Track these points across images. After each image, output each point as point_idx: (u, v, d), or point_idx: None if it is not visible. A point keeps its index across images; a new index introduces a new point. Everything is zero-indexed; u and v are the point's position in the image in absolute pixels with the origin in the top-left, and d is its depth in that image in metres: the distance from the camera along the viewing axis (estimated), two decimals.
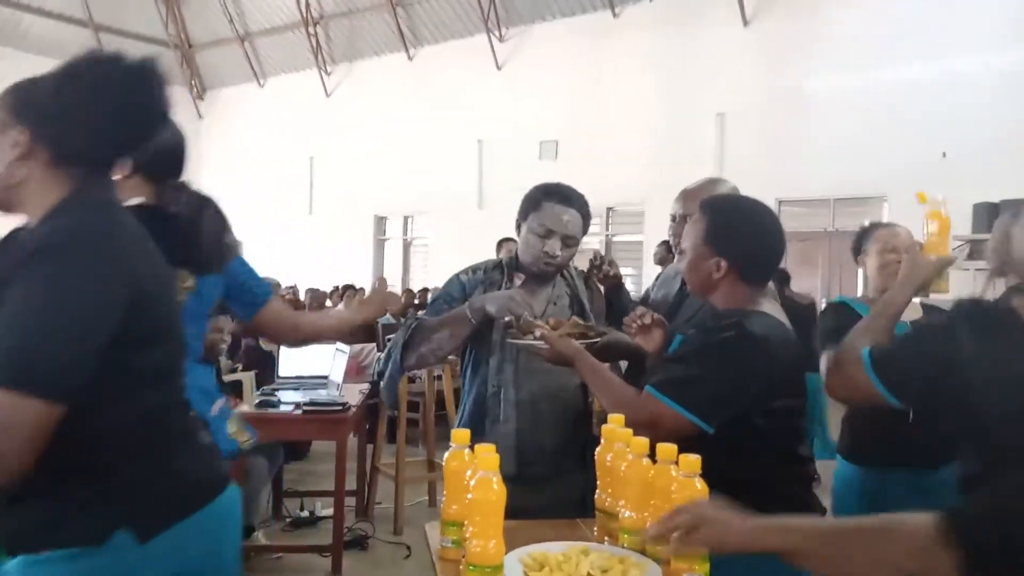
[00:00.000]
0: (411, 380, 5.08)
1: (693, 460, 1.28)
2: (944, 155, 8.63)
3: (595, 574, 1.24)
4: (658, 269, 6.42)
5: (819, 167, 9.55)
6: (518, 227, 2.28)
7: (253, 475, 4.00)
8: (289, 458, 5.10)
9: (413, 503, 4.98)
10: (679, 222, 2.37)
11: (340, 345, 4.55)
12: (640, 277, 11.13)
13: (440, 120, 13.78)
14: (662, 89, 11.18)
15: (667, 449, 1.35)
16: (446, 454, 1.42)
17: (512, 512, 1.29)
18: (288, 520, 4.67)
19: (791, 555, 1.10)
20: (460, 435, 1.42)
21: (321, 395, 4.21)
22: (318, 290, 10.34)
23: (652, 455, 1.40)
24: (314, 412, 3.92)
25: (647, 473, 1.36)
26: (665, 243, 8.91)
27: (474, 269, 2.32)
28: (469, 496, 1.21)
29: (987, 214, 7.44)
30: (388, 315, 8.68)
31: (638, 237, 11.42)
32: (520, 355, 2.14)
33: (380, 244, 15.63)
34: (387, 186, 14.60)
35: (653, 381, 1.70)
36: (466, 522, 1.25)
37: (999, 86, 8.47)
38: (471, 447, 1.38)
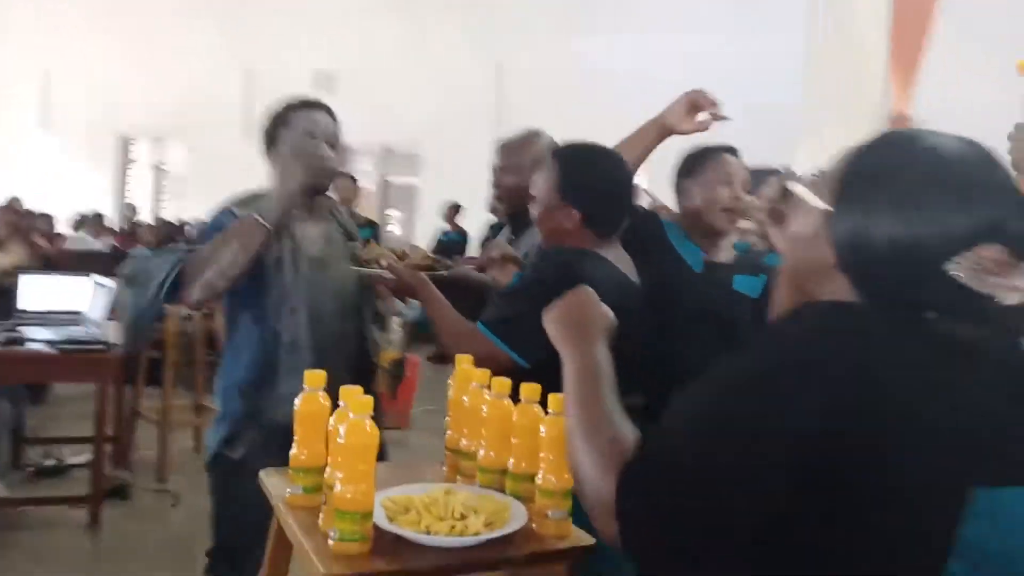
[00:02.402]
0: (186, 318, 4.67)
1: (560, 398, 1.28)
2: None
3: (467, 514, 1.21)
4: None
5: (591, 125, 9.94)
6: (268, 152, 2.12)
7: None
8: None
9: (178, 450, 4.65)
10: (500, 174, 2.40)
11: (101, 279, 4.08)
12: (412, 221, 11.03)
13: (200, 39, 12.64)
14: (442, 31, 11.05)
15: (531, 388, 1.36)
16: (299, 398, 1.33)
17: None
18: (31, 469, 4.18)
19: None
20: (314, 377, 1.34)
21: (78, 332, 3.77)
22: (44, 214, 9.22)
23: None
24: (73, 351, 3.51)
25: (510, 412, 1.35)
26: (455, 205, 8.82)
27: (245, 202, 2.08)
28: (340, 440, 1.14)
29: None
30: (141, 246, 7.98)
31: (412, 180, 11.33)
32: (312, 299, 2.02)
33: (124, 169, 14.20)
34: (135, 104, 13.17)
35: (483, 317, 1.73)
36: (331, 467, 1.17)
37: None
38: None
